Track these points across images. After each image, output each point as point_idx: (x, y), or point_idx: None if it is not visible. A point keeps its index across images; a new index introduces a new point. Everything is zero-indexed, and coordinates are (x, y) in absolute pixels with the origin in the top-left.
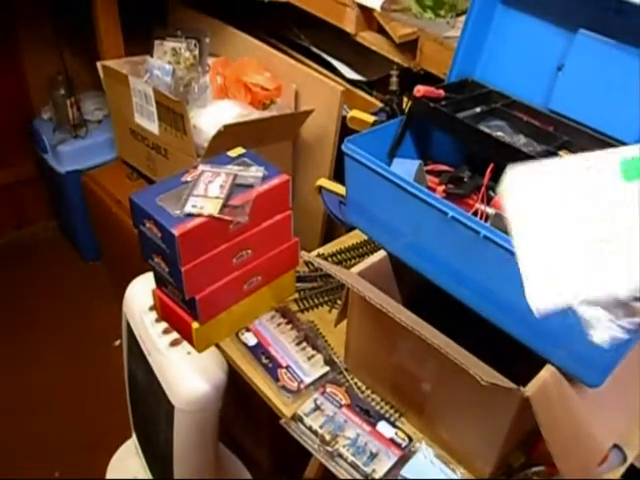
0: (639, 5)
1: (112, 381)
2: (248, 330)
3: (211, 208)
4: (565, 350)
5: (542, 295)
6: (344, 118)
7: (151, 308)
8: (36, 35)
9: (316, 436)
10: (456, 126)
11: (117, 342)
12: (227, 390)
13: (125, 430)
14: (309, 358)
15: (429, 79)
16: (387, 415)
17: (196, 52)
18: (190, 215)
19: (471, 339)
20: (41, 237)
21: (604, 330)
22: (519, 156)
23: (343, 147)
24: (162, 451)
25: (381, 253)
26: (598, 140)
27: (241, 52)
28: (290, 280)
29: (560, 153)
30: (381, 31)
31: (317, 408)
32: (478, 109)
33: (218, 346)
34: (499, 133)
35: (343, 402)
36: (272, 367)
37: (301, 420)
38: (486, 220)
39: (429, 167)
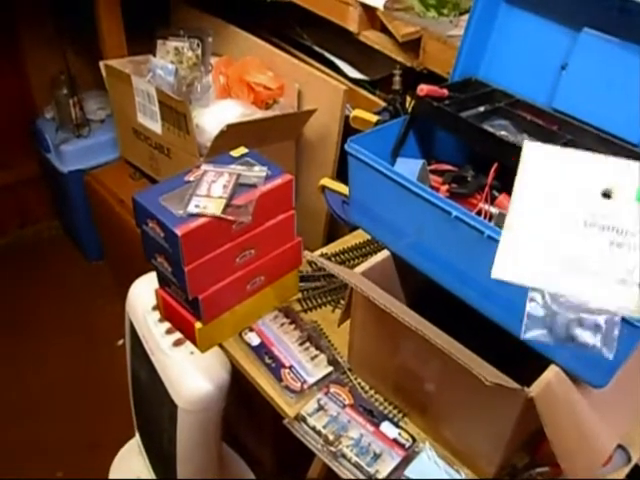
0: None
1: (115, 380)
2: (251, 330)
3: (214, 208)
4: (569, 350)
5: (509, 265)
6: (347, 117)
7: (154, 308)
8: (38, 35)
9: (319, 436)
10: (459, 125)
11: (120, 342)
12: (230, 390)
13: (128, 429)
14: (312, 358)
15: (432, 78)
16: (391, 415)
17: (199, 51)
18: (193, 215)
19: (475, 339)
20: (44, 236)
21: (587, 332)
22: None
23: (346, 147)
24: (165, 451)
25: (385, 253)
26: (602, 139)
27: (244, 51)
28: (293, 280)
29: None
30: (384, 30)
31: (320, 408)
32: (482, 108)
33: (221, 346)
34: (503, 132)
35: (346, 402)
36: (275, 367)
37: (304, 420)
38: (490, 220)
39: (432, 166)
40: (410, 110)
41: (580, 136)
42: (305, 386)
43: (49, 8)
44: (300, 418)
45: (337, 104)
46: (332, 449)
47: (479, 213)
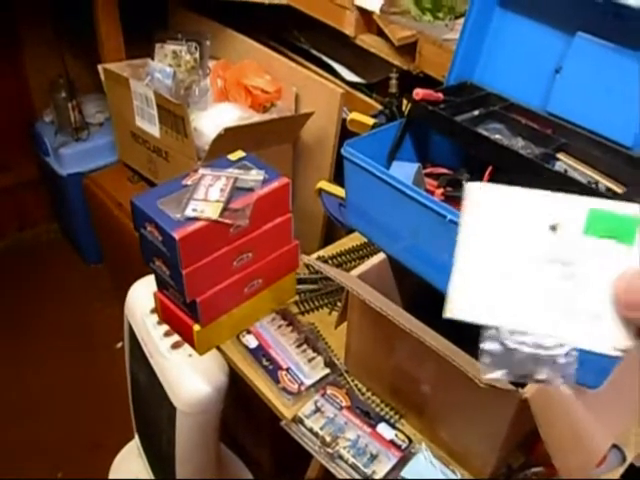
0: (637, 8)
1: (114, 383)
2: (249, 332)
3: (211, 212)
4: None
5: (462, 304)
6: (344, 120)
7: (152, 311)
8: (37, 38)
9: (317, 438)
10: (454, 129)
11: (119, 344)
12: (228, 392)
13: (127, 431)
14: (309, 360)
15: (428, 81)
16: (387, 417)
17: (197, 55)
18: (191, 219)
19: (470, 341)
20: (43, 239)
21: (542, 368)
22: (517, 159)
23: (342, 151)
24: (164, 452)
25: (381, 256)
26: (596, 142)
27: (241, 55)
28: (291, 282)
29: (558, 155)
30: (380, 34)
31: (317, 410)
32: (476, 112)
33: (219, 349)
34: (497, 136)
35: (343, 404)
36: (273, 369)
37: (302, 422)
38: None
39: (428, 170)
40: (406, 114)
41: (574, 139)
42: (302, 388)
43: (48, 11)
44: (297, 420)
45: (334, 107)
46: (329, 450)
47: None
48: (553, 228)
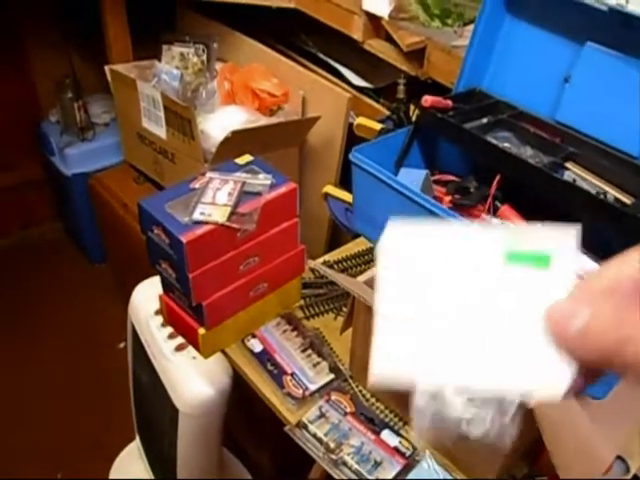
0: None
1: (116, 383)
2: (254, 336)
3: (219, 216)
4: None
5: (388, 364)
6: (351, 125)
7: (157, 312)
8: (44, 38)
9: (321, 444)
10: (463, 137)
11: (121, 344)
12: (231, 395)
13: (128, 432)
14: (314, 365)
15: (436, 88)
16: (391, 423)
17: (204, 57)
18: (198, 222)
19: None
20: (47, 238)
21: (478, 425)
22: (526, 168)
23: (351, 156)
24: (166, 454)
25: None
26: (605, 152)
27: (249, 58)
28: (296, 287)
29: (567, 165)
30: (389, 39)
31: (322, 415)
32: (485, 120)
33: (224, 352)
34: (506, 144)
35: (348, 410)
36: (277, 374)
37: (306, 427)
38: None
39: (436, 177)
40: (414, 120)
41: (583, 149)
42: (307, 393)
43: (56, 12)
44: (301, 425)
45: (341, 112)
46: (333, 457)
47: None
48: (473, 265)
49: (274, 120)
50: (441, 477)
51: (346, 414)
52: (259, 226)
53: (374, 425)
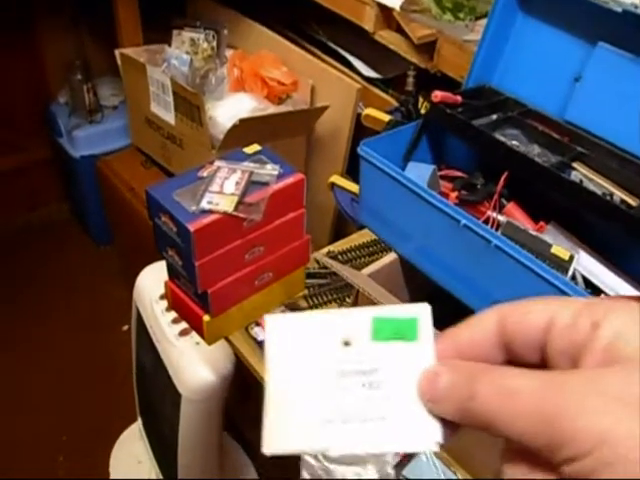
0: None
1: (119, 365)
2: (258, 324)
3: (226, 205)
4: None
5: (278, 437)
6: (359, 115)
7: (162, 297)
8: (55, 20)
9: None
10: (471, 133)
11: (125, 327)
12: (233, 381)
13: (131, 414)
14: None
15: (446, 81)
16: None
17: (214, 43)
18: (205, 211)
19: None
20: (54, 219)
21: None
22: (533, 167)
23: (359, 150)
24: (167, 437)
25: (392, 255)
26: (613, 153)
27: (259, 45)
28: (300, 277)
29: (574, 165)
30: (399, 31)
31: None
32: (494, 117)
33: (227, 339)
34: (514, 142)
35: None
36: None
37: None
38: (497, 227)
39: (443, 172)
40: (423, 114)
41: (591, 149)
42: None
43: None
44: None
45: (350, 102)
46: None
47: (487, 221)
48: (346, 343)
49: (282, 108)
50: (439, 471)
51: None
52: (266, 216)
53: None
